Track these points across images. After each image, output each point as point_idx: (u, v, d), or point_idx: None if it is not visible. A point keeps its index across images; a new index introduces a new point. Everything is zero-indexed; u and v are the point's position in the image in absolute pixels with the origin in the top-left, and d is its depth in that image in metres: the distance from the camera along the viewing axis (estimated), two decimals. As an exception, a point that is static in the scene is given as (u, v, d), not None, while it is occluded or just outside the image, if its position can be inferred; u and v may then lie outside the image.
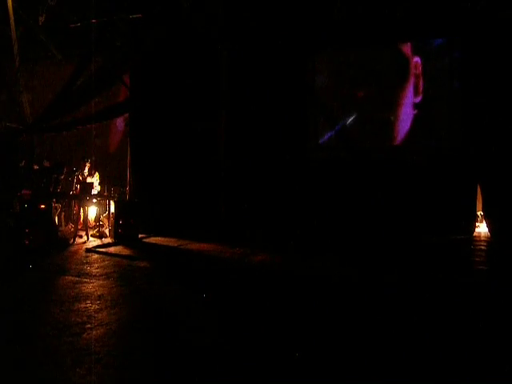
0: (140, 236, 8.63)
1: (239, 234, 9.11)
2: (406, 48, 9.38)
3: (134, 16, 9.01)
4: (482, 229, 9.45)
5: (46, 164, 9.41)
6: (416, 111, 9.31)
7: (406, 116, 9.37)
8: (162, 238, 8.64)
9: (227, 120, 9.95)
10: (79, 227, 8.81)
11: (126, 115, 10.36)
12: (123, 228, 8.30)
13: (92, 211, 9.31)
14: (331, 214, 9.25)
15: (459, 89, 9.00)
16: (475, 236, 8.99)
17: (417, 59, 9.29)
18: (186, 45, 9.52)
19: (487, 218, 8.91)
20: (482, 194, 8.84)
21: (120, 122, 11.18)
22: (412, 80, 9.34)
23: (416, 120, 9.33)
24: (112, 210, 8.79)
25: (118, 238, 8.19)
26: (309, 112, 9.93)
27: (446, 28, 8.90)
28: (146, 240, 8.57)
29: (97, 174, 9.57)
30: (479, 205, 9.18)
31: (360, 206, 9.12)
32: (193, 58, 9.60)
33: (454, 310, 4.19)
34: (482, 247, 8.15)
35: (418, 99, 9.31)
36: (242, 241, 8.42)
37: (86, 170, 9.44)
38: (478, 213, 9.45)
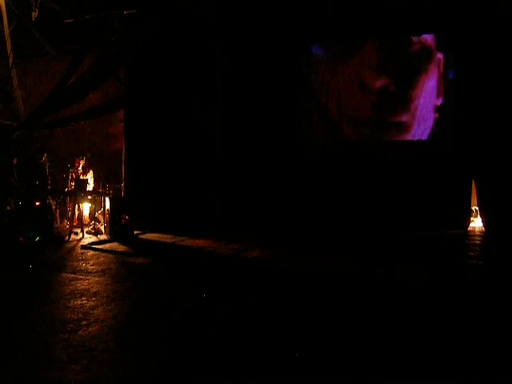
0: (135, 232, 8.61)
1: (235, 229, 9.11)
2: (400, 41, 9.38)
3: (128, 11, 8.97)
4: (476, 223, 9.50)
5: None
6: (408, 106, 9.34)
7: (400, 109, 9.40)
8: (158, 235, 8.63)
9: (222, 116, 9.93)
10: (74, 224, 8.78)
11: (121, 111, 10.30)
12: (118, 225, 8.27)
13: (87, 208, 9.28)
14: (327, 209, 9.26)
15: (453, 83, 9.02)
16: (470, 231, 9.03)
17: (410, 52, 9.29)
18: (181, 40, 9.48)
19: (482, 212, 8.95)
20: (476, 188, 8.89)
21: (115, 118, 11.12)
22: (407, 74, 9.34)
23: (411, 114, 9.34)
24: (107, 206, 8.76)
25: (114, 235, 8.16)
26: (303, 107, 9.92)
27: (437, 23, 8.90)
28: (142, 236, 8.56)
29: (91, 171, 9.52)
30: (474, 200, 9.22)
31: (355, 200, 9.14)
32: (187, 53, 9.56)
33: (449, 305, 4.22)
34: (477, 242, 8.19)
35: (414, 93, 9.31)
36: (237, 237, 8.43)
37: (81, 167, 9.40)
38: (473, 208, 9.49)
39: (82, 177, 9.16)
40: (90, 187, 9.08)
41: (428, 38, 9.17)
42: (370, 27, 9.14)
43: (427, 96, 9.19)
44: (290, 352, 2.97)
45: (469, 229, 9.07)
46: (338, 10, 8.95)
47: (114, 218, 8.28)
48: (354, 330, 3.45)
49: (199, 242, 7.81)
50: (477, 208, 9.33)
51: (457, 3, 8.52)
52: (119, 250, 7.13)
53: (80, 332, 3.25)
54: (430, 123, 9.22)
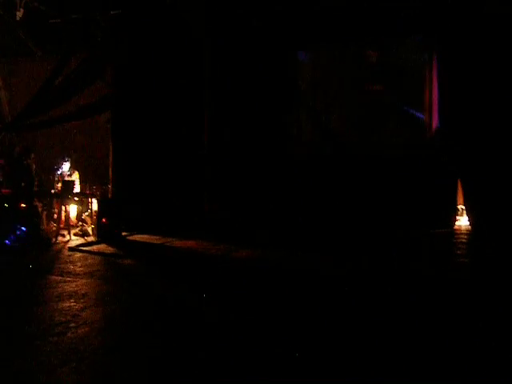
0: (123, 234, 8.55)
1: (223, 230, 9.10)
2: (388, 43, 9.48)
3: (115, 12, 8.90)
4: (462, 222, 9.61)
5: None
6: (396, 107, 9.45)
7: (388, 111, 9.49)
8: (146, 236, 8.58)
9: (211, 116, 9.92)
10: (61, 226, 8.69)
11: (108, 112, 10.23)
12: (106, 226, 8.21)
13: (74, 209, 9.19)
14: (315, 209, 9.30)
15: (438, 84, 9.12)
16: (456, 229, 9.14)
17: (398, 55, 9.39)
18: (169, 40, 9.44)
19: (468, 211, 9.07)
20: (462, 187, 9.00)
21: (102, 119, 11.03)
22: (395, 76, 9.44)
23: (398, 115, 9.45)
24: (95, 208, 8.69)
25: (101, 237, 8.10)
26: (292, 108, 9.95)
27: (425, 25, 8.99)
28: (130, 238, 8.51)
29: (76, 172, 9.43)
30: (460, 199, 9.33)
31: (342, 200, 9.19)
32: (175, 53, 9.51)
33: (438, 303, 4.27)
34: (463, 240, 8.30)
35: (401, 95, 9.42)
36: (226, 237, 8.43)
37: (67, 168, 9.31)
38: (459, 206, 9.60)
39: (67, 178, 9.07)
40: (77, 188, 9.01)
41: (415, 40, 9.27)
42: (357, 30, 9.19)
43: (414, 97, 9.29)
44: (280, 352, 2.98)
45: (455, 227, 9.18)
46: (326, 13, 8.98)
47: (101, 219, 8.22)
48: (347, 330, 3.48)
49: (188, 243, 7.79)
50: (463, 206, 9.44)
51: (444, 5, 8.61)
52: (107, 251, 7.08)
53: (69, 334, 3.23)
54: (416, 124, 9.32)
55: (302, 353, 2.96)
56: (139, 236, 8.65)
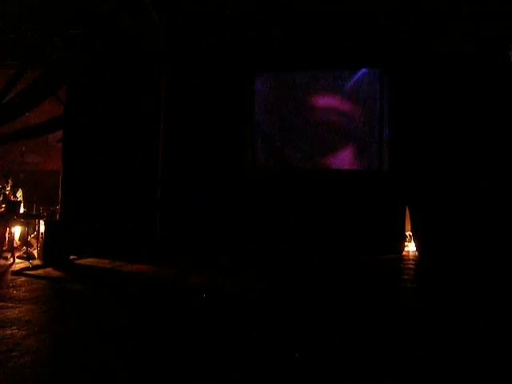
0: (71, 257, 8.23)
1: (175, 254, 8.97)
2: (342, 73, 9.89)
3: (73, 31, 8.77)
4: (410, 248, 9.96)
5: None
6: (348, 136, 9.81)
7: (341, 139, 9.83)
8: (96, 260, 8.29)
9: (165, 140, 9.86)
10: (4, 248, 8.27)
11: (60, 131, 9.95)
12: (53, 249, 7.88)
13: (18, 231, 8.78)
14: (268, 234, 9.38)
15: (388, 114, 9.58)
16: (404, 255, 9.46)
17: (351, 85, 9.80)
18: (126, 63, 9.38)
19: (415, 237, 9.45)
20: (410, 215, 9.39)
21: (52, 139, 10.72)
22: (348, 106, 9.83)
23: (350, 144, 9.80)
24: (41, 230, 8.34)
25: (48, 260, 7.76)
26: (247, 133, 10.09)
27: (378, 57, 9.48)
28: (79, 262, 8.20)
29: (20, 191, 9.03)
30: (408, 226, 9.71)
31: (295, 226, 9.33)
32: (132, 74, 9.46)
33: (383, 326, 4.38)
34: (411, 266, 8.60)
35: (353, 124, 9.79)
36: (177, 262, 8.32)
37: (9, 188, 8.91)
38: (407, 233, 9.97)
39: (11, 197, 8.68)
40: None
41: (369, 72, 9.73)
42: (312, 59, 9.55)
43: (366, 128, 9.68)
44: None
45: (403, 253, 9.51)
46: (283, 41, 9.27)
47: (48, 241, 7.89)
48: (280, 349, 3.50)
49: (139, 267, 7.61)
50: (411, 233, 9.81)
51: (397, 43, 9.12)
52: (54, 275, 6.80)
53: (11, 364, 3.05)
54: (368, 153, 9.70)
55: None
56: (88, 260, 8.35)
